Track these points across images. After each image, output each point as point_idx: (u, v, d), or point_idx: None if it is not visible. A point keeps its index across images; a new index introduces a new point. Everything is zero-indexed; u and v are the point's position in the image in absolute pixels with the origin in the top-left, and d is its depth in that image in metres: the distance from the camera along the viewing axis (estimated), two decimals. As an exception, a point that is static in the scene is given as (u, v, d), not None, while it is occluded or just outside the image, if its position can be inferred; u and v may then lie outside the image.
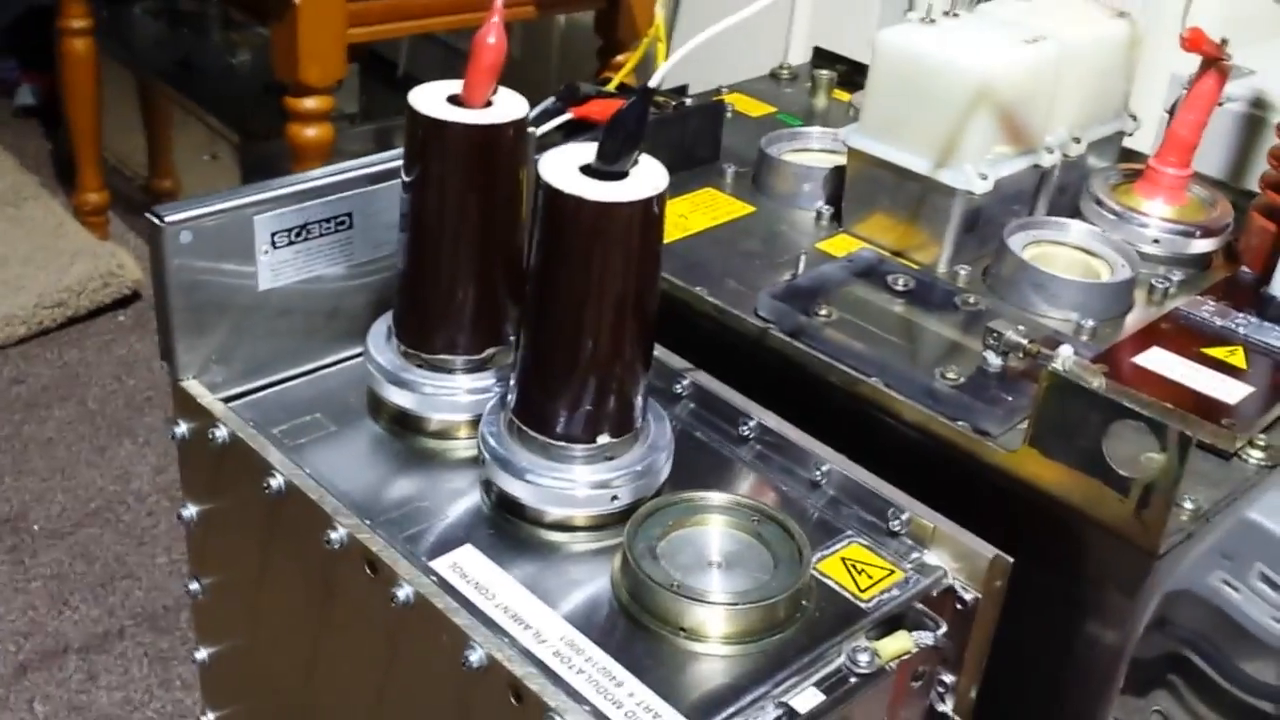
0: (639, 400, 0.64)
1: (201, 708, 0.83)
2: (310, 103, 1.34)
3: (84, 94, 1.88)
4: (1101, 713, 0.68)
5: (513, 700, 0.56)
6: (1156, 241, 0.85)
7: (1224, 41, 0.82)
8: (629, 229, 0.59)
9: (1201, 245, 0.86)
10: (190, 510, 0.74)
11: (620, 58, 1.61)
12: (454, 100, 0.65)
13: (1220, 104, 0.94)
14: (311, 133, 1.35)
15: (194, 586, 0.77)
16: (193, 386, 0.70)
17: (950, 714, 0.67)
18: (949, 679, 0.66)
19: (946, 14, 0.85)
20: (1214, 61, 0.82)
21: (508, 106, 0.65)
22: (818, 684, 0.58)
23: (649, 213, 0.59)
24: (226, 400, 0.71)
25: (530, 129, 0.77)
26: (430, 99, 0.64)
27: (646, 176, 0.59)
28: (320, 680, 0.70)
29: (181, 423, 0.71)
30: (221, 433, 0.68)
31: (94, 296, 1.86)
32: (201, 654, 0.80)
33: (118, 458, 1.61)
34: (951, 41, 0.82)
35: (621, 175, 0.59)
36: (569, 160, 0.60)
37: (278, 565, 0.69)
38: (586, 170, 0.59)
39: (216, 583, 0.76)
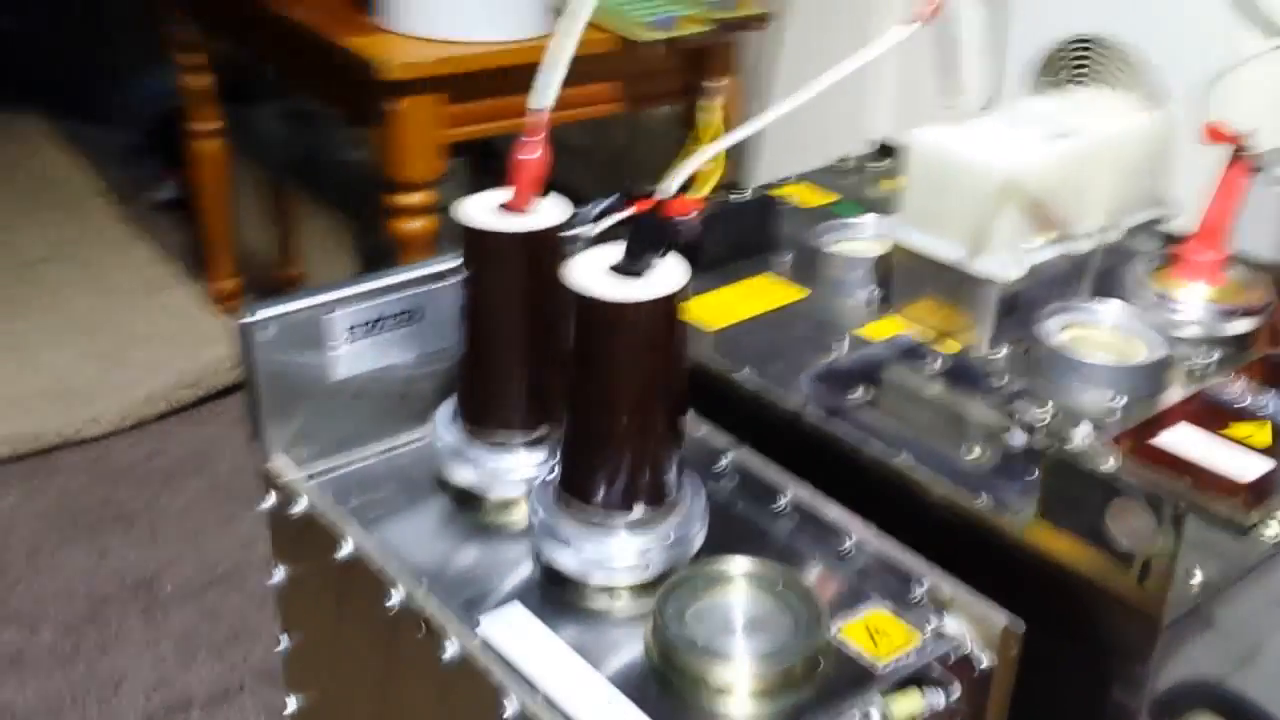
0: (671, 474, 0.70)
1: None
2: (411, 198, 1.44)
3: (215, 190, 2.03)
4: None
5: (544, 750, 0.62)
6: (1195, 323, 0.88)
7: (1245, 134, 0.86)
8: (650, 324, 0.65)
9: (1240, 325, 0.88)
10: (280, 573, 0.82)
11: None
12: (504, 206, 0.72)
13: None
14: (414, 225, 1.44)
15: (283, 641, 0.85)
16: (278, 463, 0.78)
17: (972, 776, 0.70)
18: (971, 741, 0.70)
19: (979, 111, 0.90)
20: (1239, 152, 0.86)
21: (550, 213, 0.72)
22: (828, 740, 0.63)
23: (667, 308, 0.65)
24: (309, 477, 0.79)
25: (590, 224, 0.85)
26: (479, 208, 0.72)
27: (666, 275, 0.66)
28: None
29: (270, 497, 0.79)
30: (301, 505, 0.76)
31: (226, 376, 1.99)
32: (291, 705, 0.87)
33: (243, 526, 1.72)
34: (978, 141, 0.86)
35: (641, 274, 0.65)
36: (597, 262, 0.66)
37: (349, 625, 0.76)
38: (616, 269, 0.66)
39: (301, 640, 0.84)
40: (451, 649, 0.66)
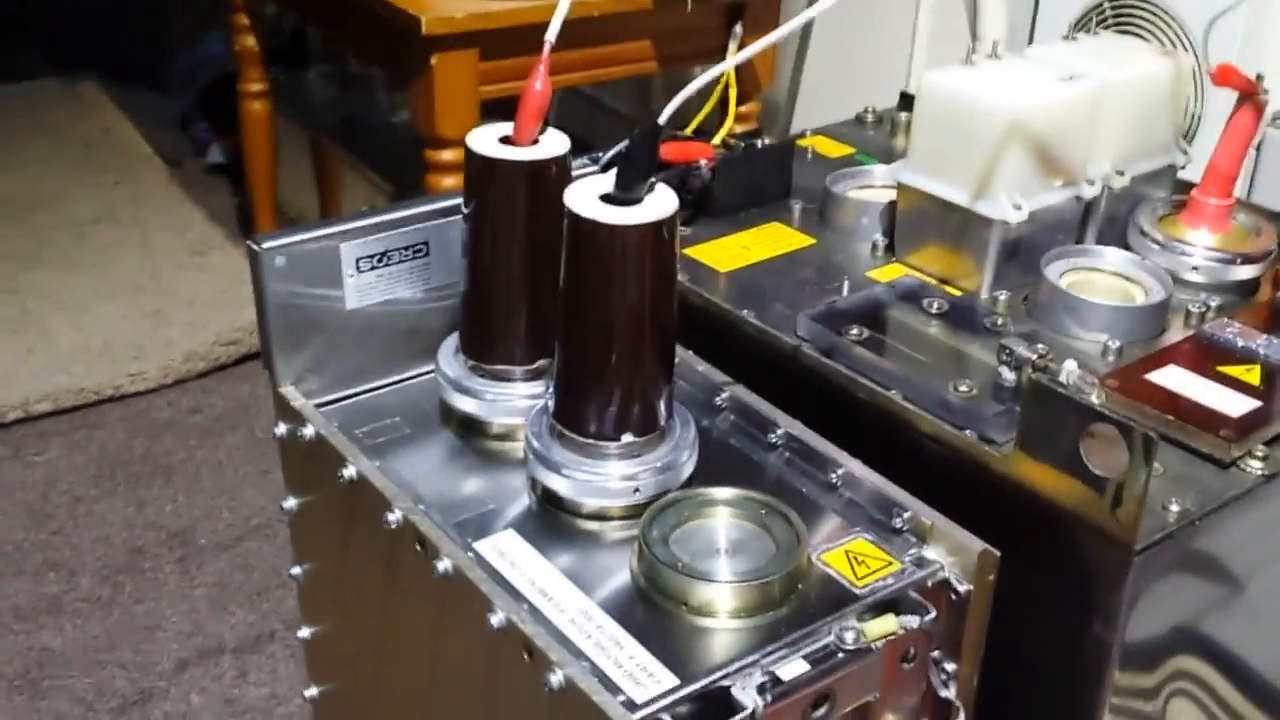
0: (661, 403, 0.72)
1: (306, 682, 0.94)
2: (447, 154, 1.46)
3: (261, 151, 2.07)
4: (1098, 701, 0.72)
5: (525, 657, 0.64)
6: (1196, 269, 0.89)
7: (1259, 77, 0.86)
8: (641, 249, 0.67)
9: (1243, 272, 0.89)
10: (290, 502, 0.85)
11: (743, 108, 1.70)
12: (505, 140, 0.74)
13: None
14: (449, 182, 1.47)
15: (295, 570, 0.88)
16: (289, 392, 0.81)
17: (953, 700, 0.72)
18: (951, 667, 0.71)
19: (989, 56, 0.91)
20: (1249, 96, 0.86)
21: (551, 145, 0.74)
22: (805, 656, 0.65)
23: (659, 235, 0.67)
24: (319, 405, 0.81)
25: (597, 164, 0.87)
26: (484, 139, 0.74)
27: (658, 203, 0.68)
28: (388, 651, 0.79)
29: (280, 424, 0.82)
30: (309, 431, 0.78)
31: (266, 335, 2.04)
32: (304, 632, 0.90)
33: (278, 481, 1.76)
34: (987, 81, 0.87)
35: (635, 202, 0.67)
36: (592, 189, 0.68)
37: (354, 548, 0.79)
38: (606, 198, 0.68)
39: (312, 568, 0.87)
40: (444, 564, 0.69)
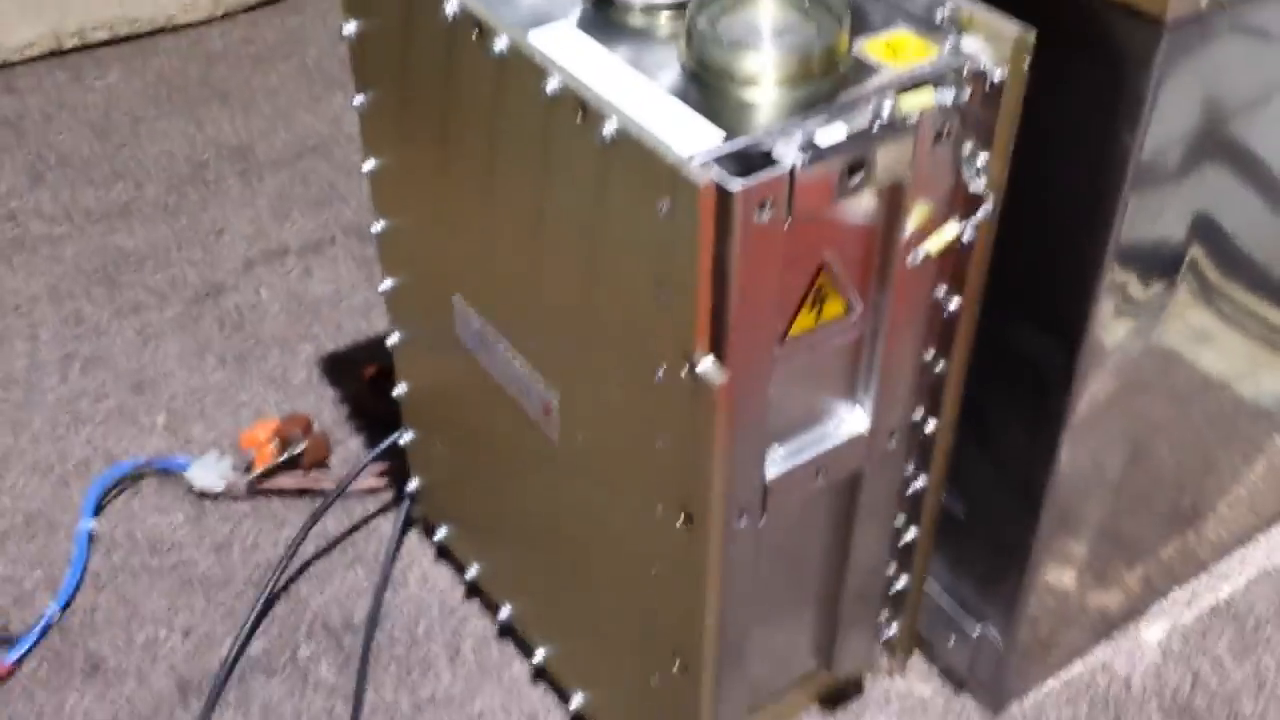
0: (709, -104, 0.74)
1: (379, 278, 1.01)
2: None
3: None
4: (1112, 211, 0.76)
5: (579, 118, 0.68)
6: None
7: None
8: None
9: None
10: (350, 27, 0.88)
11: None
12: None
13: None
14: None
15: (358, 101, 0.92)
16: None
17: (983, 190, 0.76)
18: (982, 162, 0.75)
19: None
20: None
21: None
22: (844, 123, 0.68)
23: None
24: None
25: None
26: None
27: None
28: (453, 148, 0.84)
29: (339, -58, 0.84)
30: (367, -60, 0.81)
31: (312, -31, 2.03)
32: (377, 226, 0.97)
33: (332, 106, 1.80)
34: None
35: None
36: None
37: (414, 53, 0.82)
38: None
39: (375, 96, 0.91)
40: (500, 44, 0.72)
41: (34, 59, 1.87)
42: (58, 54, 1.88)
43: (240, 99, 1.81)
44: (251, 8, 2.00)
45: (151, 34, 1.93)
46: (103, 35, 1.90)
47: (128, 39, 1.92)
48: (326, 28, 1.96)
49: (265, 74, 1.86)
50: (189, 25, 1.95)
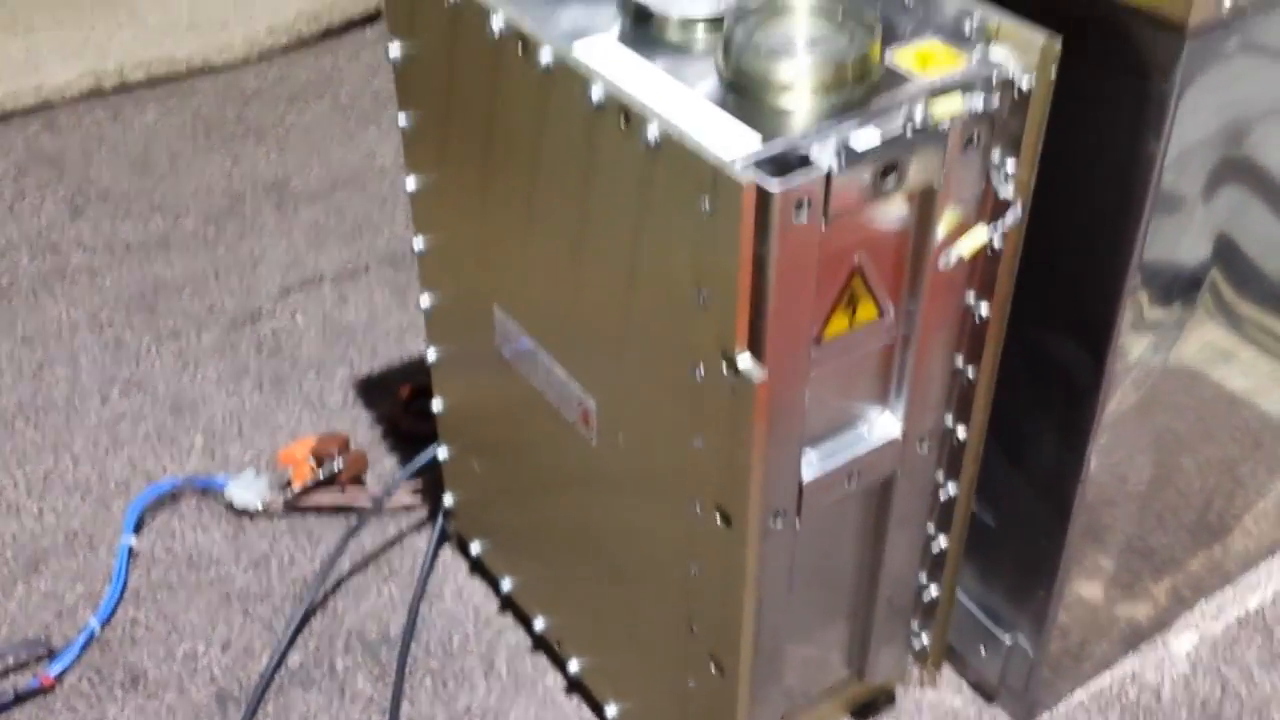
0: (746, -84, 0.77)
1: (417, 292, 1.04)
2: None
3: None
4: (1137, 219, 0.78)
5: (622, 124, 0.71)
6: None
7: None
8: None
9: None
10: (396, 49, 0.91)
11: None
12: None
13: None
14: None
15: (403, 121, 0.95)
16: (393, -70, 0.86)
17: (1011, 196, 0.78)
18: (1010, 168, 0.78)
19: None
20: None
21: None
22: (877, 129, 0.71)
23: None
24: (421, -55, 0.87)
25: None
26: None
27: None
28: (496, 162, 0.86)
29: (387, -35, 0.88)
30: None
31: (345, 11, 2.08)
32: (418, 243, 1.00)
33: (365, 141, 1.84)
34: None
35: None
36: None
37: (458, 71, 0.85)
38: None
39: (418, 116, 0.94)
40: (545, 57, 0.75)
41: (74, 99, 1.92)
42: (98, 94, 1.93)
43: (275, 136, 1.85)
44: (286, 48, 2.05)
45: (189, 75, 1.98)
46: (140, 76, 1.95)
47: (166, 80, 1.96)
48: (358, 67, 2.01)
49: (300, 112, 1.90)
50: (225, 67, 2.00)
